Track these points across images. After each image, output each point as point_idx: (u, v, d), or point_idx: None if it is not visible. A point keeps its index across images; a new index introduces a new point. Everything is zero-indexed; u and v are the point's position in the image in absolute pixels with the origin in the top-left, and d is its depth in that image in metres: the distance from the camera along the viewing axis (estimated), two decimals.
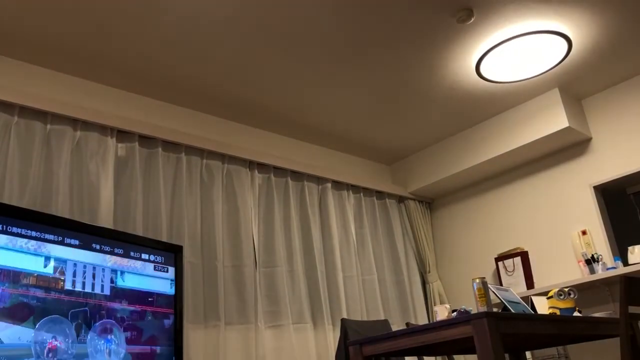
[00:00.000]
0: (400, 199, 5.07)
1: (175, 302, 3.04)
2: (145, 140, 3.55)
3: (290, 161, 4.24)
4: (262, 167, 4.11)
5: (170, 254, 3.11)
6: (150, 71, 3.44)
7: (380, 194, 4.93)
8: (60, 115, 3.16)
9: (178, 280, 3.09)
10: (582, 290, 4.10)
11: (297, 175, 4.33)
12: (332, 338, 3.94)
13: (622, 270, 3.67)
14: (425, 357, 4.35)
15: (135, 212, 3.29)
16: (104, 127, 3.35)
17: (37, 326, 2.36)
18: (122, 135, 3.45)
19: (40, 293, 2.41)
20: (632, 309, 3.36)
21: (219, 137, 3.98)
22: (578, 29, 3.44)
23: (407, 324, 3.50)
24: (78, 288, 2.56)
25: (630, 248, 3.75)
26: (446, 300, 4.78)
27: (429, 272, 4.84)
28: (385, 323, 3.61)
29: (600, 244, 4.04)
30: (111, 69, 3.38)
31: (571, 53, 3.70)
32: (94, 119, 3.27)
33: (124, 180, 3.36)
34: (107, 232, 2.84)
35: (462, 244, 4.92)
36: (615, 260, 3.87)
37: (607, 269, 3.81)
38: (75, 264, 2.58)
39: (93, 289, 2.63)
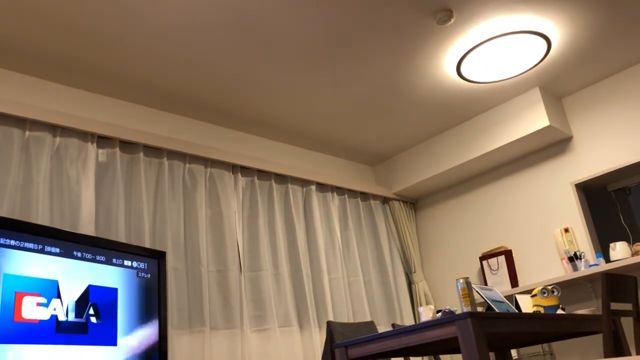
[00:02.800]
0: (385, 200, 5.08)
1: (159, 308, 3.01)
2: (127, 145, 3.51)
3: (274, 164, 4.23)
4: (245, 170, 4.10)
5: (153, 260, 3.08)
6: (131, 76, 3.41)
7: (364, 195, 4.94)
8: (39, 121, 3.12)
9: (161, 286, 3.07)
10: (566, 288, 4.14)
11: (281, 178, 4.32)
12: (318, 341, 3.93)
13: (604, 267, 3.71)
14: (411, 358, 4.36)
15: (117, 218, 3.25)
16: (84, 133, 3.31)
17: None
18: (103, 140, 3.41)
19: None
20: (614, 306, 3.40)
21: (202, 141, 3.96)
22: (557, 28, 3.47)
23: (393, 325, 3.50)
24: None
25: (611, 245, 3.79)
26: (432, 300, 4.79)
27: (415, 272, 4.85)
28: (370, 325, 3.61)
29: (583, 241, 4.08)
30: (91, 75, 3.35)
31: (550, 52, 3.73)
32: (74, 125, 3.23)
33: (105, 186, 3.32)
34: (89, 240, 2.80)
35: (447, 244, 4.94)
36: (597, 257, 3.91)
37: (590, 266, 3.85)
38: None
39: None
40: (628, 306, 3.56)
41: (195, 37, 3.13)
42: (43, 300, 2.48)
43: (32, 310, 2.43)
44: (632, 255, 3.68)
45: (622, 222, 4.21)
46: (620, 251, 3.73)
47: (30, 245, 2.50)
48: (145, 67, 3.35)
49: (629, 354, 2.96)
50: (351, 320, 4.23)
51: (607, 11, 3.37)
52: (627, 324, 3.75)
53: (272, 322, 3.73)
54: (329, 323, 3.27)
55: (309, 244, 4.26)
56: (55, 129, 3.21)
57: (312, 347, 3.89)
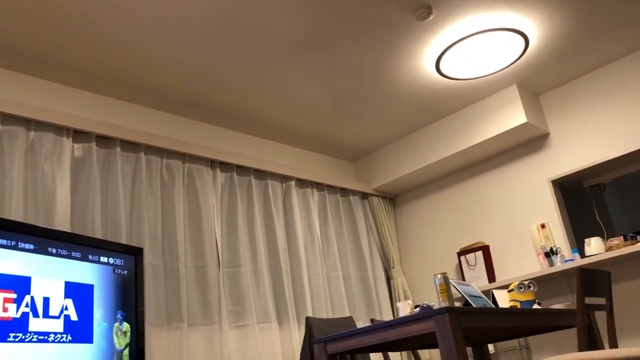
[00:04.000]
0: (364, 196, 5.09)
1: (136, 304, 2.98)
2: (103, 140, 3.46)
3: (253, 159, 4.21)
4: (224, 165, 4.07)
5: (130, 256, 3.05)
6: (107, 70, 3.36)
7: (344, 191, 4.94)
8: (12, 115, 3.06)
9: (138, 283, 3.03)
10: (542, 283, 4.20)
11: (261, 174, 4.30)
12: (297, 337, 3.93)
13: (579, 262, 3.77)
14: (389, 353, 4.38)
15: (94, 213, 3.21)
16: (60, 127, 3.25)
17: None
18: (79, 135, 3.36)
19: None
20: (589, 300, 3.46)
21: (180, 135, 3.92)
22: (534, 26, 3.50)
23: (371, 320, 3.51)
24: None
25: (586, 240, 3.85)
26: (410, 296, 4.82)
27: (393, 267, 4.88)
28: (349, 320, 3.62)
29: (559, 237, 4.13)
30: (66, 68, 3.29)
31: (528, 50, 3.77)
32: (49, 119, 3.17)
33: (81, 181, 3.27)
34: (64, 236, 2.76)
35: (425, 239, 4.97)
36: (572, 253, 3.97)
37: (565, 261, 3.90)
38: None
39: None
40: (602, 300, 3.62)
41: (175, 31, 3.09)
42: (16, 297, 2.43)
43: (4, 307, 2.38)
44: (606, 250, 3.74)
45: (597, 218, 4.28)
46: (595, 247, 3.79)
47: (3, 242, 2.45)
48: (123, 61, 3.30)
49: (602, 348, 3.01)
50: (330, 316, 4.24)
51: (584, 10, 3.41)
52: (601, 318, 3.82)
53: (251, 318, 3.71)
54: (307, 319, 3.27)
55: (288, 240, 4.25)
56: (29, 123, 3.15)
57: (291, 343, 3.89)
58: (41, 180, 3.08)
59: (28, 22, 2.89)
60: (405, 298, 4.78)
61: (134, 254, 3.08)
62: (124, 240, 3.27)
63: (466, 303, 2.60)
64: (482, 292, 4.27)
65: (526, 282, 2.86)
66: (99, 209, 3.25)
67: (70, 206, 3.14)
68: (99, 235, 3.17)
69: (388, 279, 4.92)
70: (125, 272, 2.98)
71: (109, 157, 3.45)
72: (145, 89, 3.61)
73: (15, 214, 2.88)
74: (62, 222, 3.04)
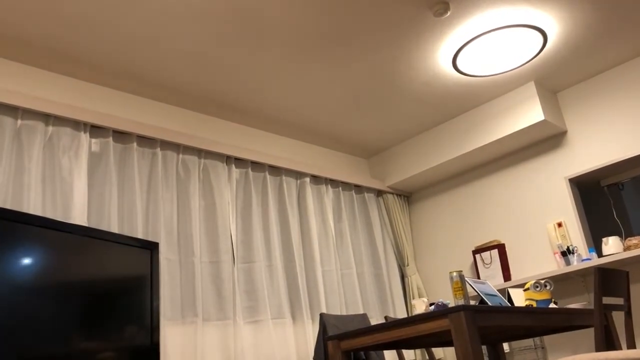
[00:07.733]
0: (379, 193, 5.08)
1: (152, 298, 3.00)
2: (120, 135, 3.49)
3: (268, 156, 4.21)
4: (239, 161, 4.08)
5: (146, 250, 3.07)
6: (125, 66, 3.38)
7: (358, 188, 4.93)
8: (31, 110, 3.09)
9: (154, 277, 3.05)
10: (558, 282, 4.16)
11: (275, 170, 4.30)
12: (311, 333, 3.94)
13: (596, 261, 3.73)
14: (403, 351, 4.37)
15: (110, 208, 3.24)
16: (77, 122, 3.28)
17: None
18: (96, 130, 3.38)
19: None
20: (606, 300, 3.42)
21: (195, 131, 3.94)
22: (553, 22, 3.46)
23: (385, 317, 3.51)
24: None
25: (604, 239, 3.80)
26: (424, 293, 4.80)
27: (408, 265, 4.86)
28: (363, 317, 3.61)
29: (576, 236, 4.09)
30: (84, 63, 3.32)
31: (546, 47, 3.73)
32: (67, 113, 3.20)
33: (98, 176, 3.30)
34: (81, 230, 2.78)
35: (440, 237, 4.95)
36: (590, 252, 3.93)
37: (582, 260, 3.86)
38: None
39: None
40: (619, 300, 3.58)
41: (190, 26, 3.10)
42: None
43: None
44: (625, 250, 3.70)
45: (615, 217, 4.23)
46: (612, 246, 3.75)
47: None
48: (140, 57, 3.32)
49: (620, 348, 2.98)
50: (344, 313, 4.24)
51: (604, 6, 3.37)
52: (618, 317, 3.78)
53: (265, 314, 3.72)
54: (321, 315, 3.27)
55: (303, 236, 4.26)
56: (47, 118, 3.18)
57: (304, 339, 3.89)
58: (59, 175, 3.11)
59: (46, 19, 2.91)
60: (420, 296, 4.76)
61: (149, 248, 3.10)
62: (140, 234, 3.29)
63: (482, 301, 2.59)
64: (498, 290, 4.24)
65: (542, 281, 2.83)
66: (116, 203, 3.28)
67: (87, 201, 3.17)
68: (115, 229, 3.19)
69: (402, 277, 4.91)
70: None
71: (125, 152, 3.47)
72: (162, 85, 3.63)
73: (34, 208, 2.92)
74: (79, 217, 3.07)
